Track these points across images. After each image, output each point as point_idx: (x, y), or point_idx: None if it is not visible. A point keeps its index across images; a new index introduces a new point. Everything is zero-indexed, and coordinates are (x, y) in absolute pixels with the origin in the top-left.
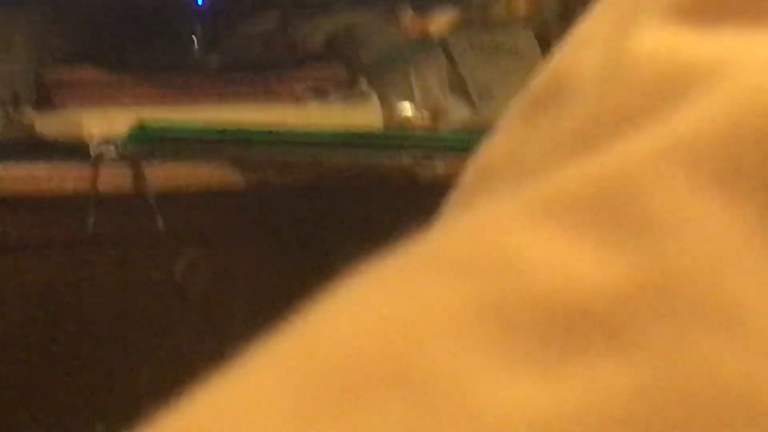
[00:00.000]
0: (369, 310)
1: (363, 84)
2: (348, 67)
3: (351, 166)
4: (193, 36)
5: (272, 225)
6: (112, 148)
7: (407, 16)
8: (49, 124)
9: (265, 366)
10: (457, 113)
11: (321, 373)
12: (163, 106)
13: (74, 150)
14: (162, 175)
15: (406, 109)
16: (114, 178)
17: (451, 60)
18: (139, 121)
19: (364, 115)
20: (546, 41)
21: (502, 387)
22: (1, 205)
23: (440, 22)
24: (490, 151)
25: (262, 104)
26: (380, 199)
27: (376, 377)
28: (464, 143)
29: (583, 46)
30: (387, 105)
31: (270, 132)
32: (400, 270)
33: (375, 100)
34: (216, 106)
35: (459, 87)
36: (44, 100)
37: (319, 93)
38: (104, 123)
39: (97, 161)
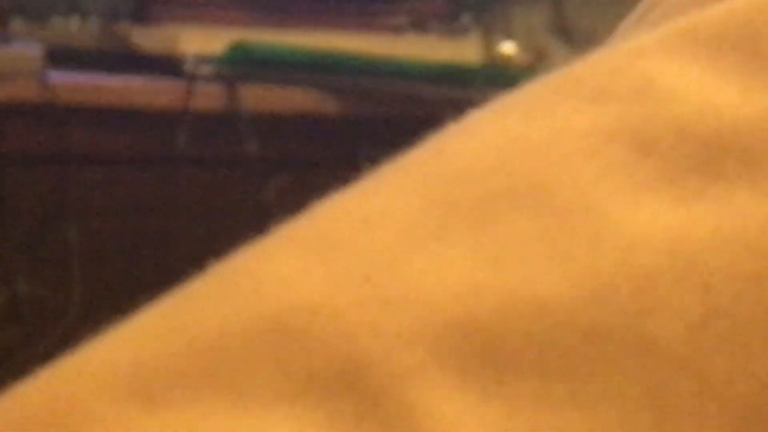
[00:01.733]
0: (505, 129)
1: (465, 19)
2: (450, 0)
3: (446, 100)
4: None
5: (362, 154)
6: (207, 66)
7: None
8: (145, 39)
9: (399, 179)
10: (560, 56)
11: (455, 187)
12: (260, 28)
13: (169, 66)
14: (256, 97)
15: (508, 47)
16: (207, 98)
17: (557, 1)
18: (237, 42)
19: (463, 50)
20: None
21: (636, 208)
22: (93, 116)
23: None
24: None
25: (360, 33)
26: None
27: (510, 193)
28: None
29: None
30: (488, 42)
31: (366, 61)
32: (537, 95)
33: (475, 36)
34: (314, 31)
35: (563, 29)
36: (142, 14)
37: (419, 25)
38: (201, 41)
39: (191, 79)
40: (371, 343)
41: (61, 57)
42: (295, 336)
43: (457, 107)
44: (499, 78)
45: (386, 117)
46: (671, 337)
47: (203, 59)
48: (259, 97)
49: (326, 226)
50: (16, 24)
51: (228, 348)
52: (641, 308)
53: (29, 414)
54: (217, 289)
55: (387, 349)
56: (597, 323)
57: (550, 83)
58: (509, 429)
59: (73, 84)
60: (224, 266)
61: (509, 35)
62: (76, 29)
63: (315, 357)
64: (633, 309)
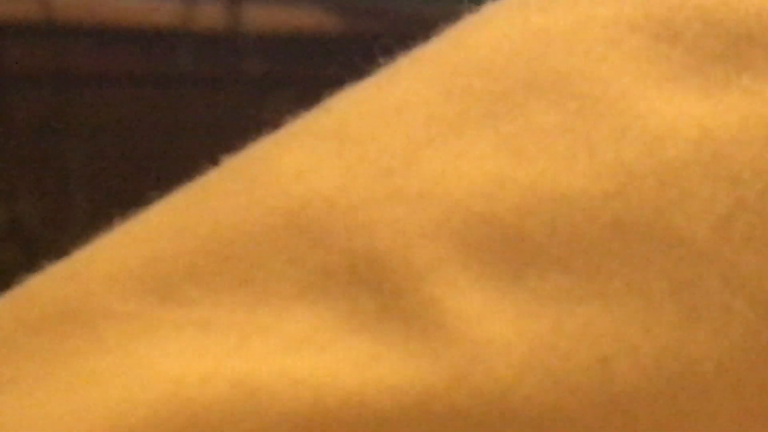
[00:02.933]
0: (525, 20)
1: None
2: None
3: (451, 18)
4: None
5: (367, 73)
6: None
7: None
8: None
9: (417, 71)
10: None
11: (475, 79)
12: None
13: None
14: (258, 15)
15: None
16: (209, 16)
17: None
18: None
19: None
20: None
21: (661, 99)
22: (94, 35)
23: None
24: None
25: None
26: None
27: (531, 84)
28: None
29: None
30: None
31: None
32: None
33: None
34: None
35: None
36: None
37: None
38: None
39: None
40: (390, 238)
41: None
42: (312, 230)
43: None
44: None
45: (390, 35)
46: (698, 230)
47: None
48: (262, 14)
49: (343, 119)
50: None
51: (244, 243)
52: (667, 201)
53: (42, 310)
54: (231, 183)
55: (407, 245)
56: (622, 216)
57: None
58: (532, 324)
59: (74, 2)
60: (238, 160)
61: None
62: None
63: (332, 252)
64: (659, 202)
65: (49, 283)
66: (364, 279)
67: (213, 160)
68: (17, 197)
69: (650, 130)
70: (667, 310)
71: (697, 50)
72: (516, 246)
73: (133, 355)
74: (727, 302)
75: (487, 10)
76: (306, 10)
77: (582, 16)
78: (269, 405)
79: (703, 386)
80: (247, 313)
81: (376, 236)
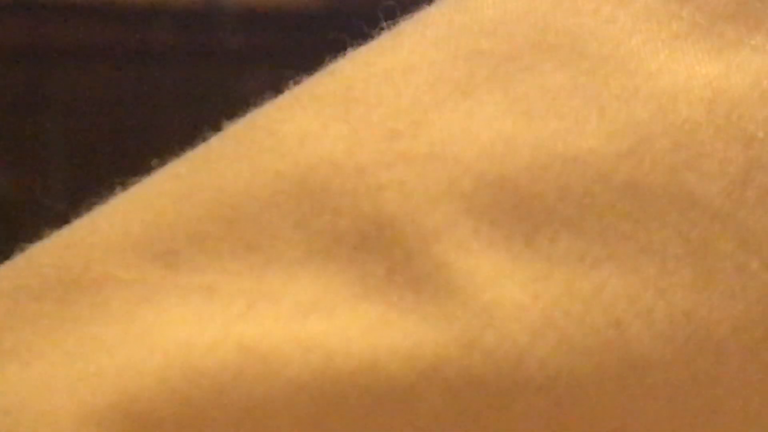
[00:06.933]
0: None
1: None
2: None
3: None
4: None
5: (348, 48)
6: None
7: None
8: None
9: (422, 32)
10: None
11: (482, 39)
12: None
13: None
14: None
15: None
16: None
17: None
18: None
19: None
20: None
21: (672, 58)
22: (67, 11)
23: None
24: None
25: None
26: None
27: (539, 44)
28: None
29: None
30: None
31: None
32: None
33: None
34: None
35: None
36: None
37: None
38: None
39: None
40: (399, 200)
41: None
42: (318, 194)
43: None
44: None
45: (370, 11)
46: (712, 190)
47: None
48: None
49: (347, 82)
50: None
51: (249, 208)
52: (681, 161)
53: (43, 278)
54: (235, 148)
55: (415, 207)
56: (635, 178)
57: None
58: (545, 287)
59: None
60: (241, 126)
61: None
62: None
63: (340, 216)
64: (672, 162)
65: (51, 251)
66: (372, 243)
67: (191, 136)
68: None
69: (662, 90)
70: (682, 272)
71: (708, 9)
72: (527, 208)
73: (138, 321)
74: (741, 264)
75: None
76: None
77: None
78: (279, 371)
79: (718, 349)
80: (254, 279)
81: (384, 199)
